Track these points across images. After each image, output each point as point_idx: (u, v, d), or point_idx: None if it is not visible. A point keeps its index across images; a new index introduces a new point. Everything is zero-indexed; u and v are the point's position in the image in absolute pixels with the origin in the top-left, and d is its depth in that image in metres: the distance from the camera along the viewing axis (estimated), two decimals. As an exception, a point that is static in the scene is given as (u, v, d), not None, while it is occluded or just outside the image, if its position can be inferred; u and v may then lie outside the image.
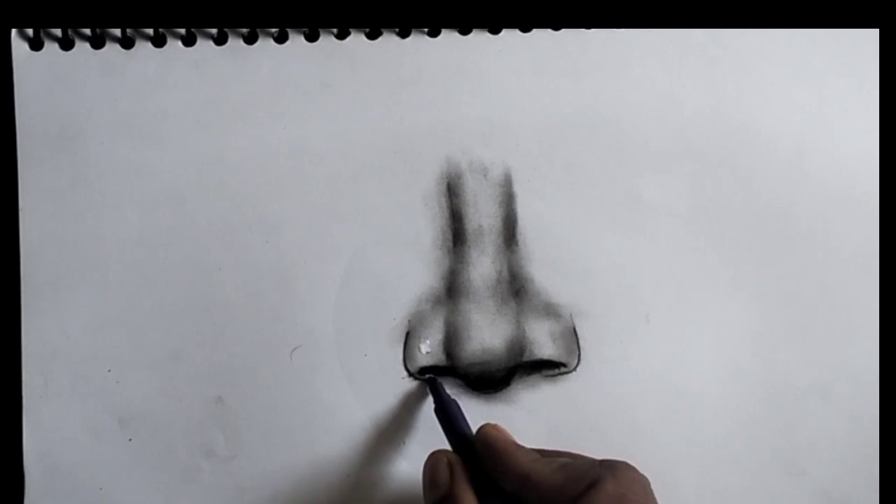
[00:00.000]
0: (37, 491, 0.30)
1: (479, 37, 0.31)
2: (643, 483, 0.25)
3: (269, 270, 0.30)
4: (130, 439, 0.30)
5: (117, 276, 0.30)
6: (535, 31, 0.31)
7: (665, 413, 0.30)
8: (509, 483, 0.25)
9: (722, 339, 0.31)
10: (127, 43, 0.31)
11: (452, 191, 0.31)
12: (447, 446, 0.28)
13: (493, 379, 0.30)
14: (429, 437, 0.30)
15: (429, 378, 0.30)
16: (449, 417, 0.28)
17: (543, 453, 0.27)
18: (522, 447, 0.26)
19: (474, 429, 0.27)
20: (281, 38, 0.31)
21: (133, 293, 0.30)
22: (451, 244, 0.31)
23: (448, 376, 0.30)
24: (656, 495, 0.25)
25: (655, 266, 0.31)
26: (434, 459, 0.27)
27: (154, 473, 0.30)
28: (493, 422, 0.27)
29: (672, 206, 0.31)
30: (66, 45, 0.31)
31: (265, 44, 0.31)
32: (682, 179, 0.31)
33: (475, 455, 0.27)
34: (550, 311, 0.31)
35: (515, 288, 0.31)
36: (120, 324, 0.30)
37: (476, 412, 0.30)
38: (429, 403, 0.30)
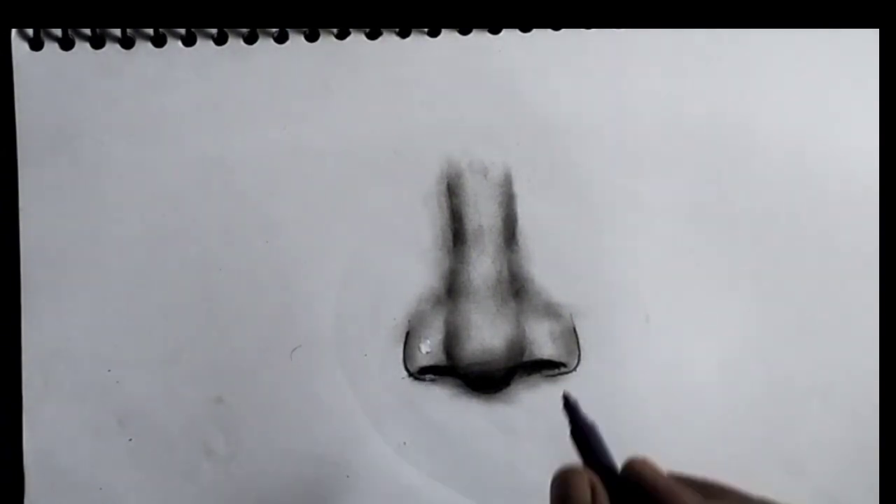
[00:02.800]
0: (37, 491, 0.30)
1: (479, 37, 0.31)
2: None
3: (269, 270, 0.30)
4: (130, 439, 0.30)
5: (117, 276, 0.30)
6: (535, 31, 0.31)
7: (665, 413, 0.30)
8: None
9: (722, 338, 0.31)
10: (127, 43, 0.31)
11: (452, 191, 0.31)
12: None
13: (493, 379, 0.30)
14: (429, 436, 0.30)
15: (564, 396, 0.26)
16: (591, 443, 0.25)
17: (705, 491, 0.23)
18: (686, 488, 0.23)
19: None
20: (281, 38, 0.31)
21: (133, 293, 0.30)
22: (451, 244, 0.31)
23: (448, 376, 0.30)
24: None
25: (655, 266, 0.31)
26: (573, 477, 0.23)
27: (154, 473, 0.30)
28: (641, 455, 0.24)
29: (672, 206, 0.31)
30: (66, 45, 0.31)
31: (265, 44, 0.31)
32: (682, 179, 0.31)
33: (618, 486, 0.24)
34: (550, 311, 0.31)
35: (515, 288, 0.31)
36: (120, 324, 0.30)
37: (476, 412, 0.30)
38: (429, 403, 0.30)
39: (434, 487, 0.30)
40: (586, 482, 0.23)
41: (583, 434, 0.25)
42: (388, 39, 0.31)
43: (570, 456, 0.31)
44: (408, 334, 0.30)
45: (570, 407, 0.26)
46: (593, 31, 0.31)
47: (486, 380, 0.30)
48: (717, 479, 0.23)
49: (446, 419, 0.30)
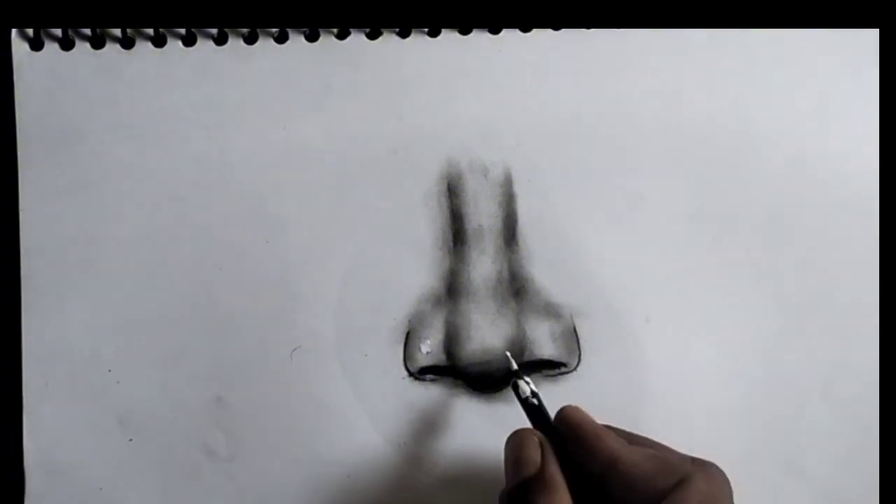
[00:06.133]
0: (37, 491, 0.30)
1: (479, 37, 0.31)
2: (729, 488, 0.25)
3: (270, 270, 0.30)
4: (130, 439, 0.30)
5: (117, 276, 0.30)
6: (535, 31, 0.31)
7: (665, 413, 0.30)
8: (596, 466, 0.25)
9: (722, 339, 0.31)
10: (127, 43, 0.31)
11: (452, 191, 0.31)
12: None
13: (493, 379, 0.30)
14: (429, 436, 0.30)
15: (511, 371, 0.29)
16: (539, 407, 0.27)
17: (630, 439, 0.26)
18: (611, 431, 0.26)
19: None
20: (281, 38, 0.31)
21: (133, 293, 0.30)
22: (451, 244, 0.31)
23: (448, 376, 0.30)
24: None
25: (656, 266, 0.31)
26: (523, 437, 0.26)
27: (154, 473, 0.30)
28: (572, 404, 0.26)
29: (672, 206, 0.31)
30: (66, 45, 0.31)
31: (265, 44, 0.31)
32: (682, 179, 0.31)
33: (556, 438, 0.26)
34: (550, 311, 0.31)
35: (515, 288, 0.31)
36: (120, 324, 0.30)
37: (476, 412, 0.30)
38: (429, 403, 0.30)
39: (434, 487, 0.30)
40: (535, 442, 0.26)
41: (530, 400, 0.28)
42: (388, 39, 0.31)
43: (570, 456, 0.30)
44: (408, 334, 0.30)
45: (516, 375, 0.28)
46: (593, 31, 0.31)
47: (486, 380, 0.30)
48: (643, 435, 0.27)
49: (446, 419, 0.30)
